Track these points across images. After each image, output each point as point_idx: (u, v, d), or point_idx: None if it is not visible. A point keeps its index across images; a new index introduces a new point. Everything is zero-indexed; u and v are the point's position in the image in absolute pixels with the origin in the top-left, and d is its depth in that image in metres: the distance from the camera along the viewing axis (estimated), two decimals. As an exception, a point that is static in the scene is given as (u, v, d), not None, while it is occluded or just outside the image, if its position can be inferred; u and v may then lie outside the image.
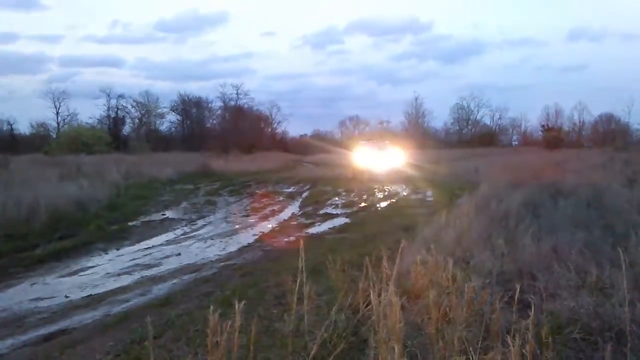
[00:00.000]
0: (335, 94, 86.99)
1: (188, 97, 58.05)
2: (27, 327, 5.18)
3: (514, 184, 11.60)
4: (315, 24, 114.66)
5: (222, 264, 7.66)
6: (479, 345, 3.05)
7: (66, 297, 6.22)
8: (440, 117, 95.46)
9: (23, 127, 55.36)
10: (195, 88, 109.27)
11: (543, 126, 58.66)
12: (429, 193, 16.62)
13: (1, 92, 72.80)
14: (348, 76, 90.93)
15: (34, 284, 6.92)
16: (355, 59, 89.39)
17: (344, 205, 14.33)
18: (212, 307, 3.10)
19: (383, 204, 14.50)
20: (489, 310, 3.45)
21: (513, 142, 64.61)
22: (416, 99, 63.03)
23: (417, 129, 62.16)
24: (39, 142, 45.43)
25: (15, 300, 6.10)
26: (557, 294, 4.42)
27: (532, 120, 75.04)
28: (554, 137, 48.99)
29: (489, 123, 65.45)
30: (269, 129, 59.41)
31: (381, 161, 22.65)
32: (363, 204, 14.49)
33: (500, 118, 65.37)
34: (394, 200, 15.20)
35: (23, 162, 23.89)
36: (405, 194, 17.02)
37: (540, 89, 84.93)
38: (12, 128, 52.38)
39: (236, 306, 3.08)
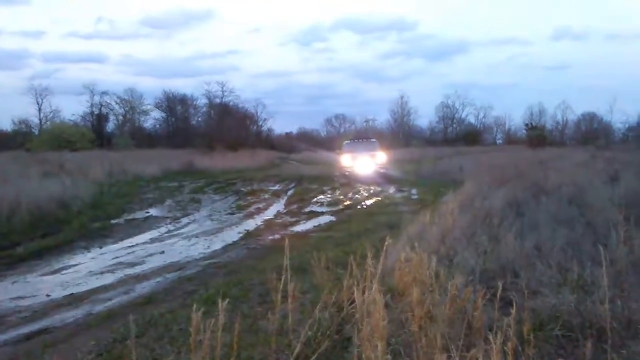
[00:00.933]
0: (320, 91, 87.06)
1: (173, 94, 57.68)
2: (7, 325, 5.11)
3: (497, 182, 11.68)
4: (301, 21, 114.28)
5: (207, 262, 7.62)
6: (462, 342, 3.06)
7: (48, 295, 6.15)
8: (425, 116, 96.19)
9: (5, 124, 54.65)
10: (180, 85, 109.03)
11: (527, 125, 59.21)
12: (414, 191, 16.69)
13: (-19, 88, 71.79)
14: (334, 74, 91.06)
15: (15, 282, 6.83)
16: (341, 57, 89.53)
17: (329, 204, 14.34)
18: (195, 306, 3.08)
19: (368, 202, 14.53)
20: (471, 308, 3.46)
21: (497, 141, 65.16)
22: (402, 97, 63.30)
23: (402, 127, 62.46)
24: (20, 139, 44.81)
25: (-4, 299, 6.02)
26: (539, 291, 4.46)
27: (516, 119, 75.62)
28: (538, 136, 49.44)
29: (473, 122, 65.98)
30: (255, 127, 59.20)
31: (367, 160, 22.53)
32: (348, 202, 14.51)
33: (484, 117, 65.93)
34: (379, 199, 15.24)
35: (4, 159, 23.57)
36: (390, 192, 17.07)
37: (524, 88, 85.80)
38: (-7, 124, 51.65)
39: (220, 305, 3.07)
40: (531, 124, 58.77)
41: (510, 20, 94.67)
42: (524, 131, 58.76)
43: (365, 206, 13.81)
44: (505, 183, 11.07)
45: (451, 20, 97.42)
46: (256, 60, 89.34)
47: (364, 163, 22.60)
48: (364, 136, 26.47)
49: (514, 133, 64.14)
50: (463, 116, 65.68)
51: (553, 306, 4.04)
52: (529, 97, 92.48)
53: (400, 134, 59.73)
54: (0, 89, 74.58)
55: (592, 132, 55.59)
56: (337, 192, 16.89)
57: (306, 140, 58.55)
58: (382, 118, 63.73)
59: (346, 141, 25.12)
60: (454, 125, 65.61)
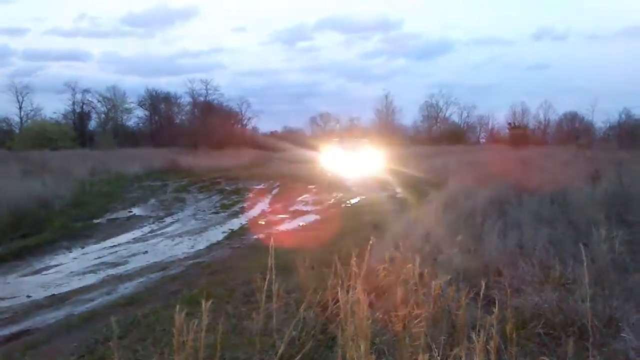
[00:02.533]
0: (305, 90, 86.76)
1: (156, 92, 57.23)
2: (-13, 328, 5.03)
3: (481, 181, 11.77)
4: (286, 20, 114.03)
5: (191, 262, 7.58)
6: (445, 341, 3.08)
7: (28, 296, 6.07)
8: (410, 115, 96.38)
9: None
10: (163, 83, 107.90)
11: (510, 124, 59.72)
12: (399, 190, 16.74)
13: (-40, 85, 70.53)
14: (318, 73, 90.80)
15: (-6, 283, 6.73)
16: (326, 56, 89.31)
17: (314, 202, 14.34)
18: (178, 307, 3.05)
19: (353, 201, 14.56)
20: (454, 307, 3.48)
21: (481, 140, 65.67)
22: (386, 96, 63.41)
23: (387, 126, 62.62)
24: (1, 137, 44.19)
25: (-25, 300, 5.93)
26: (522, 289, 4.51)
27: (500, 118, 75.98)
28: (520, 135, 49.86)
29: (457, 121, 66.40)
30: (239, 125, 58.98)
31: (352, 160, 22.68)
32: (333, 201, 14.52)
33: (468, 116, 66.34)
34: (363, 197, 15.26)
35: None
36: (374, 191, 17.10)
37: (507, 88, 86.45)
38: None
39: (203, 305, 3.05)
40: (514, 123, 59.29)
41: (493, 21, 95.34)
42: (507, 130, 59.32)
43: (349, 205, 13.82)
44: (489, 182, 11.15)
45: (435, 20, 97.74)
46: (241, 58, 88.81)
47: (349, 164, 22.51)
48: (349, 136, 27.25)
49: (497, 132, 64.63)
50: (447, 115, 66.11)
51: (535, 304, 4.08)
52: (512, 97, 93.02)
53: (384, 132, 59.90)
54: (-20, 87, 73.46)
55: (574, 132, 56.24)
56: (322, 191, 16.88)
57: (291, 139, 58.44)
58: (367, 117, 63.74)
59: (331, 141, 24.83)
60: (438, 125, 65.97)
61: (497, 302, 3.10)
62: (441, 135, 61.16)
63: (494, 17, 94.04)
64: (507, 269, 5.02)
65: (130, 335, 4.36)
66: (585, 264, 3.61)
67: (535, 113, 62.82)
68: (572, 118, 60.25)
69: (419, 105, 65.93)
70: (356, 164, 22.46)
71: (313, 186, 18.36)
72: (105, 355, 3.87)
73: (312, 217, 11.75)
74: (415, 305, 3.35)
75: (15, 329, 4.98)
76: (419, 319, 3.09)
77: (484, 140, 65.18)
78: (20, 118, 53.34)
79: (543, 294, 4.24)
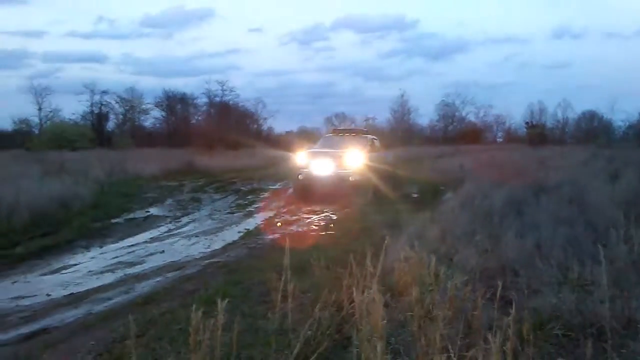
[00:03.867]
0: (321, 90, 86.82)
1: (173, 93, 57.56)
2: (7, 325, 5.10)
3: (498, 181, 11.68)
4: (302, 20, 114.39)
5: (207, 261, 7.61)
6: (461, 342, 3.06)
7: (48, 295, 6.14)
8: (426, 114, 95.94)
9: (5, 123, 54.60)
10: (180, 84, 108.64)
11: (527, 123, 59.24)
12: (414, 190, 16.65)
13: (-19, 87, 71.85)
14: (334, 73, 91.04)
15: (15, 282, 6.82)
16: (342, 56, 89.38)
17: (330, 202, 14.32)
18: (194, 306, 3.08)
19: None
20: (471, 307, 3.47)
21: (497, 139, 65.19)
22: (402, 95, 63.07)
23: (403, 126, 62.35)
24: (21, 138, 44.80)
25: (-4, 298, 6.02)
26: (540, 290, 4.47)
27: (517, 117, 75.33)
28: (538, 134, 49.51)
29: (473, 120, 65.95)
30: (255, 126, 59.15)
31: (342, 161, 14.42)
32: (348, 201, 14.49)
33: (484, 115, 65.88)
34: (378, 197, 15.21)
35: (4, 158, 23.58)
36: (389, 191, 17.02)
37: (524, 87, 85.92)
38: (-7, 124, 51.68)
39: (219, 304, 3.07)
40: (531, 122, 58.82)
41: (509, 19, 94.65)
42: (525, 129, 58.81)
43: (365, 205, 13.77)
44: (506, 182, 11.07)
45: (451, 20, 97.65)
46: (257, 59, 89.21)
47: (336, 164, 14.42)
48: (350, 129, 18.68)
49: (514, 131, 64.20)
50: (463, 115, 65.68)
51: (553, 305, 4.04)
52: (530, 96, 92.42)
53: (400, 132, 59.64)
54: (1, 89, 74.72)
55: (592, 131, 55.60)
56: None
57: (307, 138, 58.35)
58: (383, 117, 63.49)
59: (326, 134, 18.45)
60: (455, 124, 65.58)
61: (514, 303, 3.08)
62: (457, 135, 60.79)
63: (511, 16, 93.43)
64: (525, 270, 4.98)
65: (147, 334, 4.40)
66: (603, 264, 3.58)
67: (553, 112, 62.16)
68: (590, 117, 59.56)
69: (435, 104, 65.58)
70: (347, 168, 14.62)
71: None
72: (123, 354, 3.91)
73: (327, 217, 11.74)
74: (431, 306, 3.35)
75: (34, 327, 5.04)
76: (434, 319, 3.07)
77: (501, 139, 64.73)
78: (40, 119, 54.12)
79: (561, 295, 4.20)
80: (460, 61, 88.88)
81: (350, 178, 13.89)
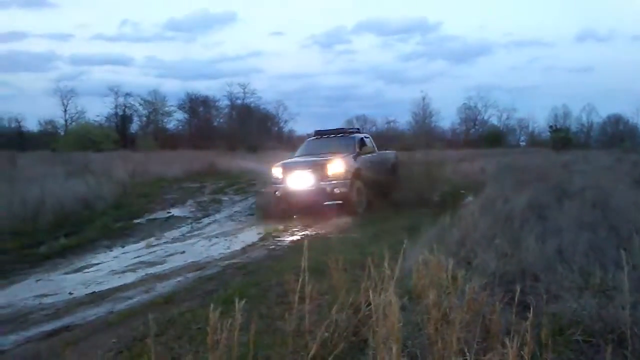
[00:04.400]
0: (342, 93, 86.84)
1: (195, 96, 58.19)
2: (31, 323, 5.21)
3: (520, 185, 11.55)
4: (323, 23, 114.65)
5: (226, 262, 7.68)
6: (478, 346, 3.04)
7: (70, 293, 6.25)
8: (447, 117, 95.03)
9: (31, 125, 55.77)
10: (203, 87, 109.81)
11: (551, 127, 58.45)
12: (436, 192, 16.51)
13: (10, 89, 73.79)
14: (356, 75, 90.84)
15: (38, 280, 6.96)
16: (363, 59, 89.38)
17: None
18: (212, 306, 3.11)
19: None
20: (489, 311, 3.44)
21: (520, 143, 64.44)
22: (423, 98, 61.99)
23: (424, 129, 61.98)
24: (47, 139, 45.66)
25: (20, 296, 6.15)
26: (560, 295, 4.41)
27: (540, 121, 74.57)
28: (562, 138, 48.79)
29: (496, 123, 65.28)
30: (276, 128, 59.42)
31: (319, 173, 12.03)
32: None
33: (507, 118, 65.17)
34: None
35: (31, 159, 24.03)
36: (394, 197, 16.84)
37: (548, 90, 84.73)
38: (20, 125, 52.83)
39: (237, 305, 3.10)
40: (555, 126, 58.02)
41: (533, 22, 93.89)
42: (548, 133, 58.05)
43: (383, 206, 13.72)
44: (528, 185, 10.94)
45: (474, 22, 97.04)
46: (278, 62, 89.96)
47: (316, 175, 11.95)
48: (336, 130, 14.82)
49: (537, 135, 63.41)
50: (485, 118, 65.10)
51: (574, 311, 3.99)
52: (553, 99, 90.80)
53: (421, 135, 59.29)
54: (28, 91, 76.43)
55: (617, 135, 54.67)
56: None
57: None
58: (404, 120, 63.24)
59: (309, 138, 15.46)
60: (477, 127, 65.03)
61: (532, 307, 3.05)
62: (479, 138, 60.24)
63: (535, 19, 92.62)
64: (545, 275, 4.92)
65: (167, 333, 4.45)
66: (625, 270, 3.52)
67: (577, 116, 61.27)
68: (615, 121, 58.60)
69: (457, 107, 65.10)
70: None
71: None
72: (143, 352, 3.96)
73: (345, 219, 11.73)
74: (448, 309, 3.33)
75: (57, 324, 5.14)
76: (451, 323, 3.06)
77: (524, 143, 63.95)
78: (65, 120, 55.28)
79: (582, 300, 4.14)
80: (483, 64, 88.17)
81: (335, 190, 11.75)
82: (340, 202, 11.94)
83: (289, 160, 13.34)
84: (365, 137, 14.67)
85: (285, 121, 61.78)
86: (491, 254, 5.55)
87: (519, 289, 3.39)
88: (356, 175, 12.38)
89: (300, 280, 3.63)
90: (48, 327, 5.08)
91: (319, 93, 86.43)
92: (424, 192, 14.51)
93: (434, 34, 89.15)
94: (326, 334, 3.58)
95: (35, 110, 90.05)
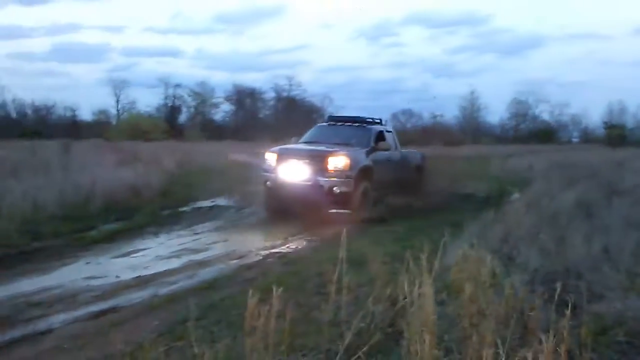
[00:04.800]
0: (389, 86, 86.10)
1: (242, 88, 58.92)
2: (79, 304, 5.42)
3: (569, 182, 11.25)
4: (371, 16, 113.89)
5: (267, 252, 7.79)
6: (515, 342, 3.00)
7: (117, 277, 6.47)
8: (496, 112, 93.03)
9: (85, 114, 57.77)
10: (250, 79, 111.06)
11: (605, 123, 56.47)
12: (481, 188, 16.22)
13: (65, 80, 76.49)
14: (402, 69, 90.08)
15: (87, 263, 7.22)
16: (411, 52, 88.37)
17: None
18: (251, 292, 3.19)
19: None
20: (528, 308, 3.39)
21: (573, 139, 62.53)
22: (472, 92, 61.70)
23: (471, 124, 60.96)
24: (99, 128, 47.18)
25: (70, 278, 6.39)
26: (604, 295, 4.30)
27: (594, 117, 71.87)
28: (617, 135, 47.09)
29: (547, 119, 63.47)
30: (321, 121, 59.56)
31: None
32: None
33: (559, 114, 63.24)
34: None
35: (84, 147, 24.87)
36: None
37: (603, 85, 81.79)
38: (75, 114, 54.78)
39: (274, 292, 3.16)
40: (610, 122, 55.99)
41: (589, 15, 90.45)
42: (603, 130, 56.10)
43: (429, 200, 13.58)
44: (577, 183, 10.64)
45: (526, 15, 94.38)
46: (325, 55, 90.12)
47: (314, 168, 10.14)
48: (352, 117, 12.88)
49: (591, 132, 61.32)
50: (536, 113, 63.37)
51: (618, 311, 3.89)
52: (609, 95, 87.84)
53: (468, 130, 58.30)
54: (82, 81, 79.16)
55: (676, 132, 52.31)
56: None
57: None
58: (451, 114, 62.30)
59: (320, 123, 14.38)
60: (527, 122, 63.41)
61: (572, 305, 2.99)
62: (530, 134, 58.78)
63: (590, 11, 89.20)
64: (589, 273, 4.80)
65: (207, 318, 4.57)
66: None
67: (634, 112, 58.83)
68: (675, 118, 55.98)
69: (507, 102, 63.61)
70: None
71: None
72: (184, 335, 4.07)
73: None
74: (485, 304, 3.30)
75: (103, 306, 5.33)
76: (488, 317, 3.03)
77: (576, 139, 62.05)
78: (117, 111, 56.96)
79: (627, 301, 4.03)
80: (535, 58, 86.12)
81: (334, 189, 9.81)
82: (338, 202, 9.95)
83: (288, 145, 11.67)
84: (387, 131, 12.36)
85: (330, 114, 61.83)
86: (534, 251, 5.46)
87: (560, 287, 3.32)
88: (364, 173, 10.37)
89: (337, 271, 3.67)
90: (95, 308, 5.27)
91: (365, 86, 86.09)
92: (464, 189, 14.23)
93: (484, 27, 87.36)
94: (362, 325, 3.60)
95: (89, 100, 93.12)
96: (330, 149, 10.44)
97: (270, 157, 10.62)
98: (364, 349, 3.35)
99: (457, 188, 14.32)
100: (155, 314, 4.93)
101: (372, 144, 11.11)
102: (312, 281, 5.56)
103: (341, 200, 9.91)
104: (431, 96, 79.29)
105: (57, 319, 4.91)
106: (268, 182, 10.60)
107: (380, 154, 11.21)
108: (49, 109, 53.94)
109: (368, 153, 10.83)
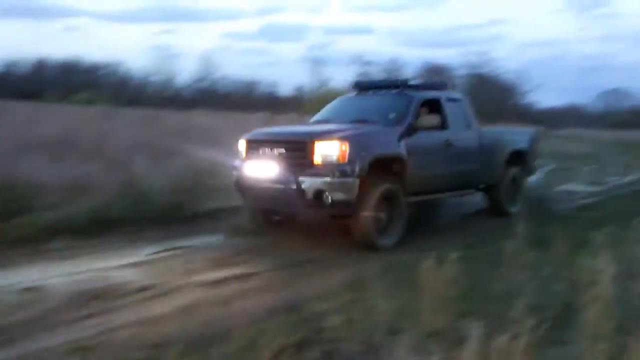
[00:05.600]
0: (597, 63, 78.31)
1: (432, 65, 58.35)
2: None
3: None
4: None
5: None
6: None
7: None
8: None
9: (285, 90, 62.67)
10: (441, 55, 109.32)
11: None
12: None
13: (269, 57, 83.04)
14: (615, 43, 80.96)
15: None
16: (626, 24, 78.90)
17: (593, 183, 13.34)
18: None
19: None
20: None
21: None
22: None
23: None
24: (296, 104, 50.58)
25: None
26: None
27: None
28: None
29: None
30: (515, 99, 56.53)
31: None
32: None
33: None
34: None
35: (284, 120, 26.94)
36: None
37: None
38: (275, 90, 59.76)
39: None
40: None
41: None
42: None
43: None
44: None
45: None
46: (523, 29, 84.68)
47: (293, 163, 6.36)
48: (388, 80, 9.62)
49: None
50: None
51: None
52: None
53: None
54: (284, 58, 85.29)
55: None
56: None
57: (573, 116, 54.11)
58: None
59: (347, 94, 8.82)
60: None
61: None
62: None
63: None
64: None
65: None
66: None
67: None
68: None
69: None
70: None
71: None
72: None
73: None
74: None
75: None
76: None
77: None
78: (313, 86, 60.57)
79: None
80: None
81: (324, 194, 5.99)
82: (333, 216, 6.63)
83: (264, 129, 7.88)
84: (449, 99, 7.97)
85: (527, 92, 58.28)
86: None
87: None
88: (383, 168, 6.52)
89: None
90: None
91: (569, 62, 79.53)
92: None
93: None
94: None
95: (290, 76, 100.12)
96: (318, 131, 6.77)
97: (240, 145, 7.12)
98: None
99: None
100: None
101: (411, 119, 6.97)
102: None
103: (337, 212, 6.36)
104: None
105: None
106: (234, 183, 7.15)
107: (425, 136, 7.08)
108: (253, 84, 59.46)
109: (403, 135, 6.77)
